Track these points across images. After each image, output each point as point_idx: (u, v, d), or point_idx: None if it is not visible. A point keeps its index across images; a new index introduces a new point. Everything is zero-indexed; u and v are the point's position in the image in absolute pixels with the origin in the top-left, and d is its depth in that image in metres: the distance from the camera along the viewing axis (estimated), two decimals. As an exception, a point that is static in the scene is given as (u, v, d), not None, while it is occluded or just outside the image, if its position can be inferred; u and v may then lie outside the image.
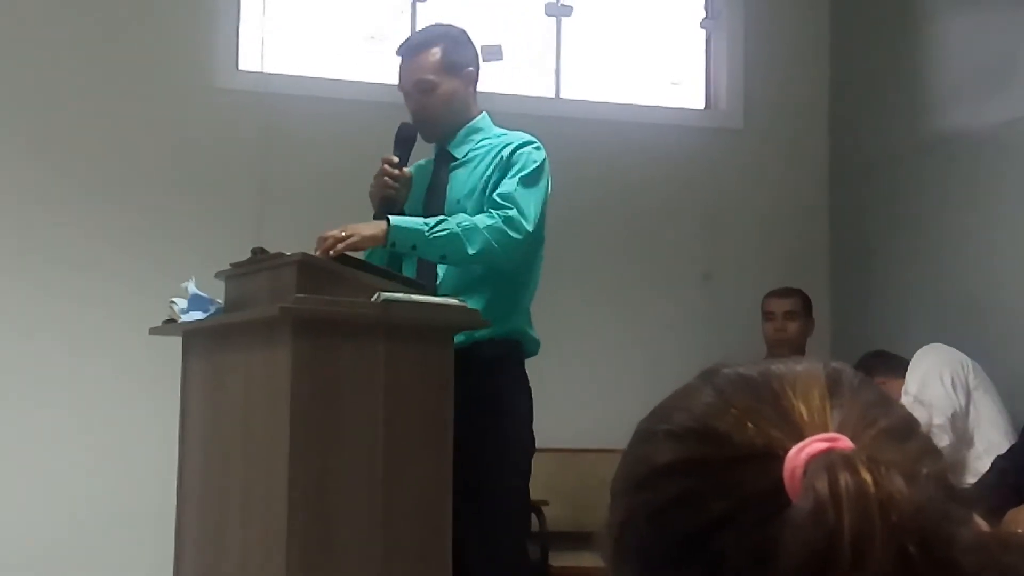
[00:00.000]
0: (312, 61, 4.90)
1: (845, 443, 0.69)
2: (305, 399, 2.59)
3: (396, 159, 3.13)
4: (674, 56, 5.42)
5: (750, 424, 0.72)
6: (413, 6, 4.99)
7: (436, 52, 3.16)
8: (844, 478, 0.66)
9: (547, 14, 5.19)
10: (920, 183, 4.88)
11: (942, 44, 4.87)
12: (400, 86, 3.20)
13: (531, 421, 3.09)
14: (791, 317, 4.80)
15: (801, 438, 0.70)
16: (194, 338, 3.12)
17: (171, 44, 4.65)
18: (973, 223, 4.57)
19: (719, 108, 5.36)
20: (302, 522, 2.56)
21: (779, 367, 0.77)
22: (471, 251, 2.94)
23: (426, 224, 2.94)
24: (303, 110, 4.73)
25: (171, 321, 3.09)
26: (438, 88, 3.15)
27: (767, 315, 4.84)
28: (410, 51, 3.19)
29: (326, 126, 4.73)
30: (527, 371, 3.16)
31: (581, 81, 5.23)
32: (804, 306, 4.85)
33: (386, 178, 3.10)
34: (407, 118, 3.23)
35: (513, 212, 2.99)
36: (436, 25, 3.39)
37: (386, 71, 4.96)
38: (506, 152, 3.11)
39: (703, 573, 0.70)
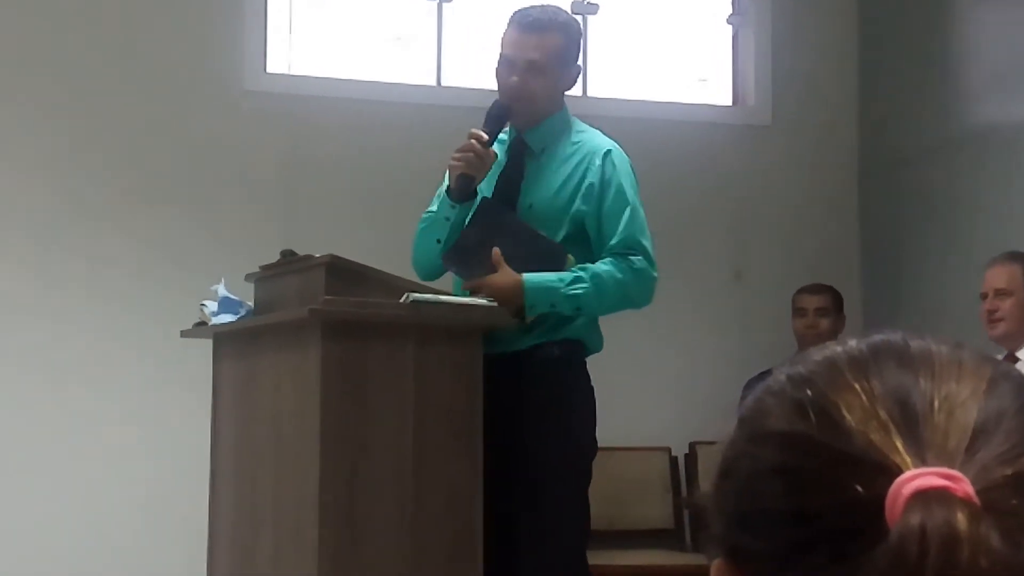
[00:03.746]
0: (339, 63, 4.91)
1: (963, 487, 0.63)
2: (335, 401, 2.60)
3: (486, 136, 2.96)
4: (701, 53, 5.40)
5: (876, 427, 0.66)
6: (439, 7, 4.99)
7: (559, 39, 3.04)
8: (940, 528, 0.61)
9: (573, 12, 5.15)
10: (951, 178, 4.84)
11: (972, 37, 4.83)
12: (505, 54, 3.05)
13: (594, 422, 3.03)
14: (822, 313, 4.78)
15: (922, 461, 0.64)
16: (224, 340, 3.13)
17: (199, 48, 4.67)
18: (1005, 217, 4.53)
19: (747, 104, 5.33)
20: (333, 523, 2.57)
21: (944, 362, 0.70)
22: (606, 308, 2.99)
23: (560, 280, 2.91)
24: (331, 112, 4.74)
25: (202, 324, 3.10)
26: (546, 74, 3.03)
27: (798, 311, 4.82)
28: (534, 27, 3.03)
29: (354, 127, 4.74)
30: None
31: (608, 79, 5.22)
32: (835, 302, 4.83)
33: (471, 154, 2.94)
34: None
35: (639, 261, 2.98)
36: (560, 11, 3.19)
37: (414, 72, 4.98)
38: (596, 173, 3.03)
39: (780, 556, 0.67)
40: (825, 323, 4.75)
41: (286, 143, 4.71)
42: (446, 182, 3.10)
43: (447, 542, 2.67)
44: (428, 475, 2.66)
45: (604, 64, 5.23)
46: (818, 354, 0.73)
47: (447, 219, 3.02)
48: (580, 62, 3.17)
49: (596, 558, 4.36)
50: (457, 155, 2.97)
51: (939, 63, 4.95)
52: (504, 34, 3.10)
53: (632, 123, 5.02)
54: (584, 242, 3.04)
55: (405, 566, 2.62)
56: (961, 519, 0.61)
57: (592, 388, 3.05)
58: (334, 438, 2.59)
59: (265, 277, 3.04)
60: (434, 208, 3.08)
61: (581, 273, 2.93)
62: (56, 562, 4.34)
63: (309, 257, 2.84)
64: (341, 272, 2.72)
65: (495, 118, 3.02)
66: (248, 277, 3.11)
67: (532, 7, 3.12)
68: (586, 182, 3.04)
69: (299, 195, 4.72)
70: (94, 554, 4.37)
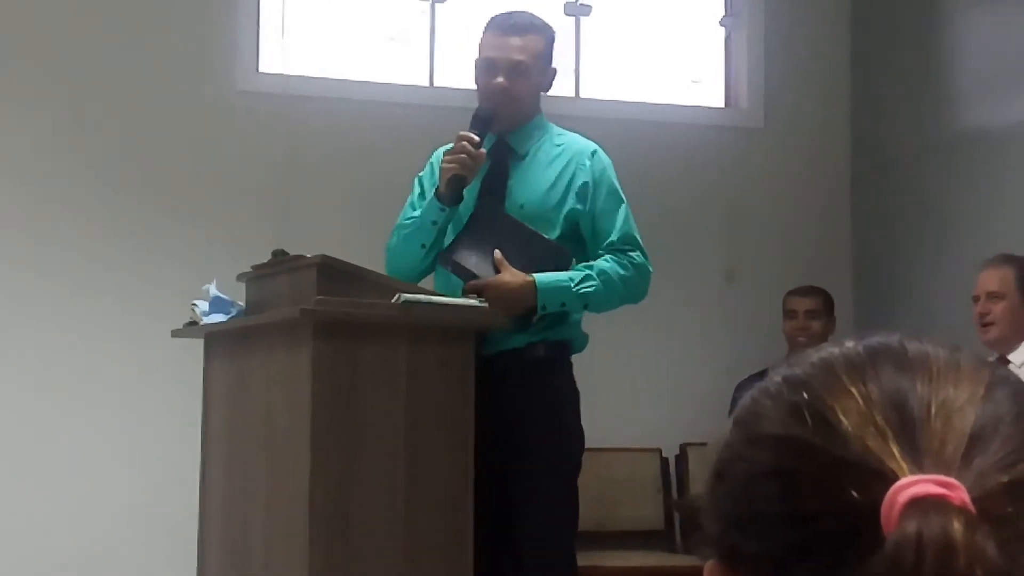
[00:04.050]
0: (332, 63, 4.91)
1: (959, 495, 0.62)
2: (326, 401, 2.60)
3: (477, 138, 2.97)
4: (693, 54, 5.40)
5: (873, 433, 0.66)
6: (432, 7, 4.99)
7: (540, 40, 3.09)
8: (936, 537, 0.60)
9: (566, 13, 5.18)
10: (943, 180, 4.85)
11: (965, 40, 4.84)
12: (486, 57, 3.07)
13: (580, 419, 3.08)
14: (813, 316, 4.78)
15: (919, 468, 0.64)
16: (216, 340, 3.13)
17: (192, 47, 4.67)
18: (997, 220, 4.54)
19: (739, 106, 5.34)
20: (324, 523, 2.57)
21: (942, 366, 0.69)
22: (612, 304, 3.04)
23: (570, 279, 2.95)
24: (324, 111, 4.74)
25: (193, 323, 3.10)
26: (530, 76, 3.06)
27: (789, 314, 4.83)
28: (516, 29, 3.07)
29: (347, 127, 4.74)
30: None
31: (600, 80, 5.22)
32: (826, 305, 4.83)
33: (463, 155, 2.95)
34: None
35: (638, 256, 3.05)
36: (536, 16, 3.22)
37: (406, 72, 4.98)
38: (587, 173, 3.07)
39: (775, 560, 0.67)
40: (816, 325, 4.76)
41: (279, 143, 4.71)
42: (416, 190, 3.15)
43: (438, 541, 2.67)
44: (420, 475, 2.66)
45: (597, 65, 5.23)
46: (814, 356, 0.73)
47: (434, 223, 3.03)
48: (555, 65, 3.19)
49: (586, 559, 4.36)
50: (450, 157, 2.98)
51: (931, 66, 4.97)
52: (482, 39, 3.13)
53: (624, 124, 5.03)
54: (577, 240, 3.07)
55: (397, 565, 2.62)
56: (957, 528, 0.61)
57: (577, 388, 3.09)
58: (325, 438, 2.59)
59: (256, 277, 3.03)
60: (416, 213, 3.08)
61: (589, 271, 2.98)
62: (46, 560, 4.33)
63: (300, 257, 2.84)
64: (333, 272, 2.71)
65: (482, 121, 3.03)
66: (239, 277, 3.10)
67: (510, 12, 3.17)
68: (578, 181, 3.07)
69: (291, 195, 4.71)
70: (85, 552, 4.37)
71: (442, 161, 3.01)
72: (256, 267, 3.02)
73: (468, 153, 2.95)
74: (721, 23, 5.39)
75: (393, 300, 2.66)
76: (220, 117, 4.66)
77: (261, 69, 4.80)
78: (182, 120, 4.63)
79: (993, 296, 3.78)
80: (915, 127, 5.03)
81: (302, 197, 4.72)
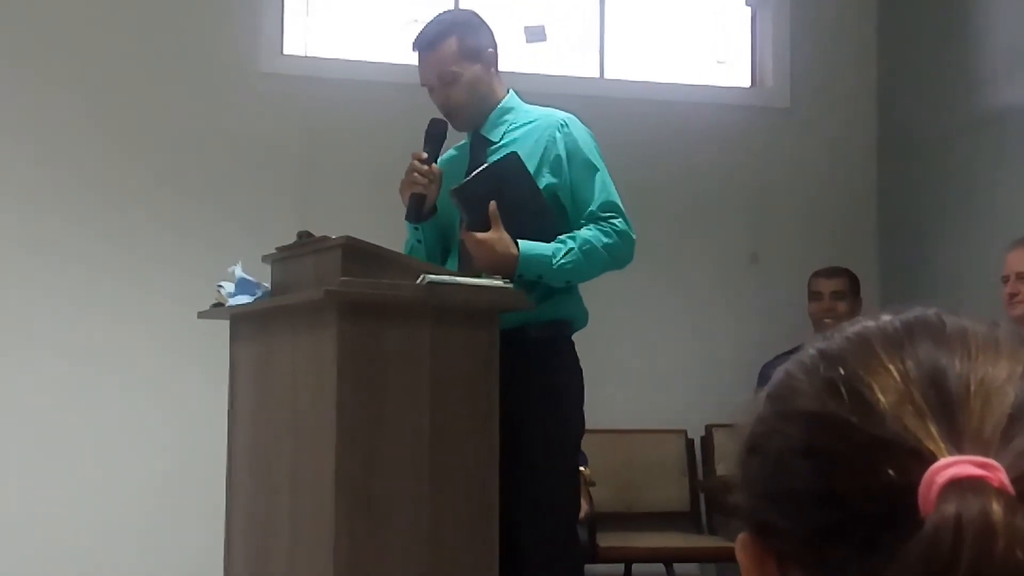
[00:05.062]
0: (356, 45, 4.91)
1: (998, 476, 0.62)
2: (351, 382, 2.60)
3: (425, 155, 3.08)
4: (719, 34, 5.37)
5: (911, 412, 0.65)
6: (456, -12, 4.99)
7: (452, 42, 3.11)
8: (975, 519, 0.60)
9: (592, -7, 5.16)
10: (970, 160, 4.81)
11: (992, 20, 4.79)
12: (423, 82, 3.16)
13: (582, 402, 3.08)
14: (839, 297, 4.76)
15: (957, 448, 0.63)
16: (241, 322, 3.14)
17: (216, 30, 4.67)
18: (1025, 200, 4.50)
19: (765, 86, 5.31)
20: (350, 504, 2.57)
21: (980, 343, 0.69)
22: (595, 273, 3.04)
23: (552, 254, 2.95)
24: (347, 94, 4.75)
25: (219, 305, 3.11)
26: (461, 78, 3.09)
27: (814, 295, 4.80)
28: (427, 46, 3.13)
29: (370, 109, 4.75)
30: (577, 349, 3.14)
31: (626, 61, 5.20)
32: (852, 286, 4.81)
33: (415, 174, 3.06)
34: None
35: (619, 222, 3.05)
36: (445, 13, 3.30)
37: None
38: (559, 145, 3.07)
39: (808, 537, 0.66)
40: (842, 306, 4.73)
41: (303, 125, 4.71)
42: None
43: (464, 522, 2.68)
44: (445, 455, 2.66)
45: (621, 46, 5.21)
46: (850, 330, 0.72)
47: (419, 241, 3.13)
48: (491, 43, 3.18)
49: (612, 540, 4.38)
50: (404, 180, 3.08)
51: (958, 45, 4.92)
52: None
53: (650, 105, 5.02)
54: (559, 212, 3.08)
55: (422, 546, 2.63)
56: (996, 510, 0.60)
57: (580, 368, 3.09)
58: (351, 419, 2.59)
59: (282, 258, 3.04)
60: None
61: (571, 244, 2.98)
62: (75, 538, 4.37)
63: (325, 238, 2.85)
64: (357, 253, 2.72)
65: (434, 136, 3.12)
66: (265, 258, 3.11)
67: (423, 27, 3.18)
68: (551, 155, 3.09)
69: (316, 177, 4.72)
70: (115, 532, 4.40)
71: (400, 183, 3.09)
72: (281, 248, 3.03)
73: (419, 171, 3.04)
74: (747, 3, 5.36)
75: (418, 281, 2.66)
76: (244, 99, 4.67)
77: (285, 51, 4.80)
78: (206, 103, 4.64)
79: (1023, 276, 3.76)
80: (942, 106, 4.99)
81: (325, 178, 4.72)
